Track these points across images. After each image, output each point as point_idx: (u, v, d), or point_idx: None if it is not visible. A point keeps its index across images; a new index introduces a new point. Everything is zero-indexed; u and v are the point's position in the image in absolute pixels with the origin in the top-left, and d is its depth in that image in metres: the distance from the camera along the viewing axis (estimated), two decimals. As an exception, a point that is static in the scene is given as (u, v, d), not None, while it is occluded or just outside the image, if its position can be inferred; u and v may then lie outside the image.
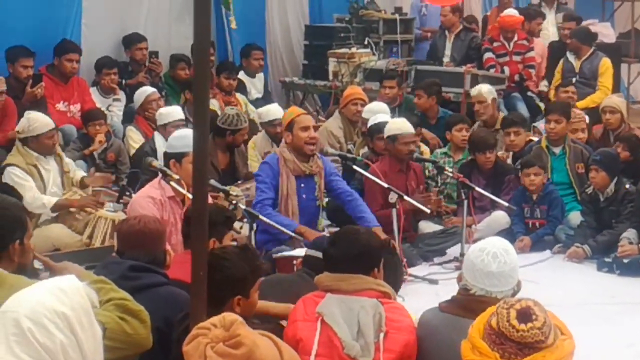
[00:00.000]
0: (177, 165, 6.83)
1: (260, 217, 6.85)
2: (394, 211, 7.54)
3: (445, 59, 12.80)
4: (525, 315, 3.27)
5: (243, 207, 6.86)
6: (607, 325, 6.80)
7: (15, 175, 7.89)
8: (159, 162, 7.15)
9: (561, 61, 12.26)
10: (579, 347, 3.46)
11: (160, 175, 6.87)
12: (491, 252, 4.18)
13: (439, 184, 9.30)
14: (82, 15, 10.85)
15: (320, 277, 4.69)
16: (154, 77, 11.37)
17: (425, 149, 9.81)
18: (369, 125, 9.42)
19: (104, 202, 8.22)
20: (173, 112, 9.39)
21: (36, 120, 8.14)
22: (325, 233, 7.32)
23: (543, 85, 12.81)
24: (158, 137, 9.24)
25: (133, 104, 10.43)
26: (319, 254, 5.37)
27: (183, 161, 6.75)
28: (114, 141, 9.67)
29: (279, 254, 6.92)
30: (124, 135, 10.05)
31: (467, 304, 4.18)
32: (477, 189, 8.21)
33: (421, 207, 7.83)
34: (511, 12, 12.83)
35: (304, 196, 7.78)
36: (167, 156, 7.02)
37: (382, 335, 4.39)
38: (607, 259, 8.08)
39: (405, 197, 7.69)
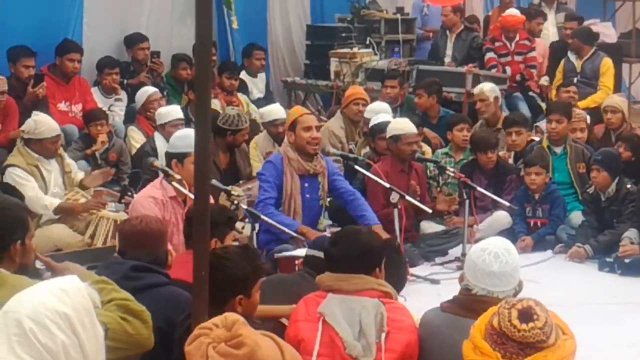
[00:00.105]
0: (179, 165, 6.83)
1: (262, 217, 6.85)
2: (395, 211, 7.55)
3: (447, 59, 12.80)
4: (526, 315, 3.27)
5: (245, 207, 6.86)
6: (609, 325, 6.80)
7: (17, 176, 7.89)
8: (160, 162, 7.15)
9: (562, 61, 12.26)
10: (580, 346, 3.46)
11: (162, 175, 6.87)
12: (493, 252, 4.19)
13: (440, 184, 9.30)
14: (83, 15, 10.83)
15: (321, 277, 4.69)
16: (156, 77, 11.36)
17: (427, 148, 9.80)
18: (371, 125, 9.41)
19: (106, 202, 8.21)
20: (171, 111, 9.38)
21: (43, 124, 8.13)
22: (327, 233, 7.33)
23: (544, 80, 12.79)
24: (158, 137, 9.24)
25: (135, 104, 10.44)
26: (320, 254, 5.38)
27: (185, 161, 6.75)
28: (116, 141, 9.66)
29: (281, 254, 6.93)
30: (125, 135, 10.05)
31: (469, 304, 4.19)
32: (478, 188, 8.20)
33: (423, 207, 7.83)
34: (513, 11, 12.84)
35: (307, 196, 7.78)
36: (169, 156, 7.02)
37: (383, 335, 4.39)
38: (608, 259, 8.08)
39: (407, 197, 7.69)
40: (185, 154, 6.70)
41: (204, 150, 3.73)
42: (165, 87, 11.37)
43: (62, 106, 10.04)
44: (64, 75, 10.11)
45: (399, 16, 13.35)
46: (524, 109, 11.87)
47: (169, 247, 5.05)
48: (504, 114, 10.61)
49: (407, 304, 5.06)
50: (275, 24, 13.63)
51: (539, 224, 8.79)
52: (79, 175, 8.63)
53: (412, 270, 7.65)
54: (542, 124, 10.45)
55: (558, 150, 9.24)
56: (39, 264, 4.36)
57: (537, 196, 8.79)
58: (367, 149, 9.57)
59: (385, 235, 6.78)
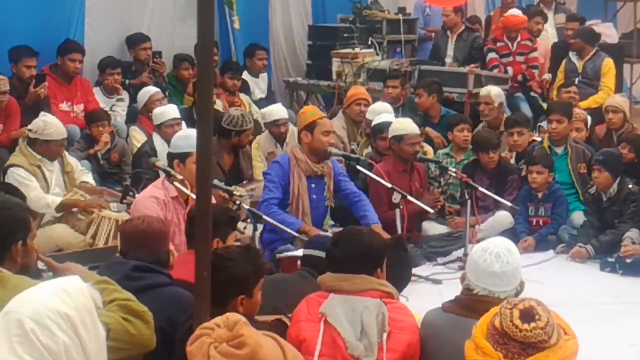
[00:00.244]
0: (181, 166, 6.83)
1: (264, 217, 6.85)
2: (397, 211, 7.55)
3: (448, 59, 12.80)
4: (528, 315, 3.27)
5: (247, 207, 6.86)
6: (610, 325, 6.80)
7: (19, 176, 7.89)
8: (162, 163, 7.15)
9: (564, 61, 12.26)
10: (581, 346, 3.46)
11: (163, 175, 6.87)
12: (494, 252, 4.19)
13: (442, 184, 9.30)
14: (85, 15, 10.83)
15: (323, 277, 4.69)
16: (158, 77, 11.36)
17: (428, 148, 9.80)
18: (373, 124, 9.42)
19: (107, 203, 8.21)
20: (167, 111, 9.37)
21: (52, 126, 8.12)
22: (329, 233, 7.33)
23: (546, 75, 12.77)
24: (156, 137, 9.25)
25: (136, 104, 10.44)
26: (317, 253, 5.41)
27: (187, 161, 6.75)
28: (118, 141, 9.67)
29: (283, 254, 6.93)
30: (127, 135, 10.06)
31: (471, 304, 4.19)
32: (480, 189, 8.20)
33: (425, 208, 7.83)
34: (515, 12, 12.84)
35: (314, 196, 7.78)
36: (171, 156, 7.02)
37: (385, 335, 4.40)
38: (610, 259, 8.08)
39: (409, 197, 7.69)
40: (187, 154, 6.70)
41: (206, 150, 3.73)
42: (167, 87, 11.37)
43: (64, 106, 10.05)
44: (66, 75, 10.11)
45: (400, 16, 13.34)
46: (525, 109, 11.87)
47: (171, 247, 5.05)
48: (504, 115, 10.60)
49: (408, 304, 5.06)
50: (277, 24, 13.63)
51: (541, 222, 8.79)
52: (84, 174, 8.61)
53: (414, 270, 7.65)
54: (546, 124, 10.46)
55: (559, 150, 9.25)
56: (40, 264, 4.37)
57: (540, 195, 8.79)
58: (369, 149, 9.56)
59: (385, 235, 6.78)
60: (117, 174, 9.51)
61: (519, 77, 12.32)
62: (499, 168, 9.12)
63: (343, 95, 11.42)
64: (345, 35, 12.85)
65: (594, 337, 5.98)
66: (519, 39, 12.44)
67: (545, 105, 11.88)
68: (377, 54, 12.64)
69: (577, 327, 3.57)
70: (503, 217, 8.78)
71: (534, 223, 8.81)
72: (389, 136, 8.71)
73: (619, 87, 12.57)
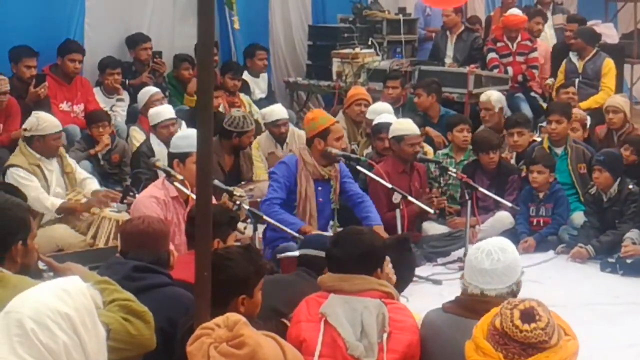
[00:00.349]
0: (181, 166, 6.83)
1: (264, 217, 6.85)
2: (397, 212, 7.55)
3: (447, 60, 12.80)
4: (528, 315, 3.27)
5: (247, 207, 6.86)
6: (610, 325, 6.80)
7: (19, 176, 7.90)
8: (162, 163, 7.15)
9: (564, 62, 12.26)
10: (582, 347, 3.46)
11: (163, 175, 6.87)
12: (486, 250, 4.21)
13: (442, 185, 9.29)
14: (85, 15, 10.83)
15: (323, 277, 4.69)
16: (158, 77, 11.36)
17: (428, 149, 9.79)
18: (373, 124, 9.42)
19: (107, 203, 8.19)
20: (162, 112, 9.36)
21: (45, 120, 8.15)
22: (329, 232, 7.33)
23: (550, 81, 12.77)
24: (153, 138, 9.24)
25: (136, 104, 10.44)
26: (313, 252, 5.41)
27: (187, 161, 6.75)
28: (119, 142, 9.67)
29: (283, 255, 6.92)
30: (127, 135, 10.05)
31: (470, 304, 4.19)
32: (480, 189, 8.20)
33: (425, 208, 7.83)
34: (515, 11, 12.84)
35: (320, 199, 7.78)
36: (171, 156, 7.02)
37: (385, 335, 4.40)
38: (610, 260, 8.08)
39: (409, 198, 7.69)
40: (187, 153, 6.71)
41: (206, 150, 3.73)
42: (167, 87, 11.37)
43: (64, 106, 10.05)
44: (66, 76, 10.11)
45: (401, 17, 13.32)
46: (525, 109, 11.86)
47: (171, 247, 5.05)
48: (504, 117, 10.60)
49: (409, 304, 5.07)
50: (277, 24, 13.61)
51: (541, 222, 8.79)
52: (90, 181, 8.60)
53: (414, 270, 7.67)
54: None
55: (559, 150, 9.25)
56: (41, 264, 4.37)
57: (541, 195, 8.80)
58: (370, 149, 9.57)
59: (386, 236, 6.78)
60: (118, 174, 9.51)
61: (519, 78, 12.31)
62: (499, 168, 9.11)
63: (343, 95, 11.42)
64: (346, 35, 12.84)
65: (595, 338, 5.98)
66: (519, 39, 12.43)
67: (545, 106, 11.87)
68: (377, 54, 12.63)
69: (577, 328, 3.57)
70: (503, 218, 8.78)
71: (535, 223, 8.81)
72: (389, 137, 8.71)
73: (619, 88, 12.56)
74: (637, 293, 7.50)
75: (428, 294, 7.11)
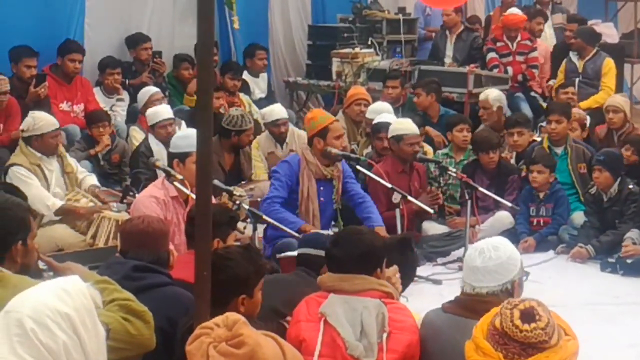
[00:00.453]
0: (181, 165, 6.83)
1: (264, 217, 6.84)
2: (397, 211, 7.55)
3: (447, 60, 12.79)
4: (528, 315, 3.27)
5: (247, 207, 6.86)
6: (610, 325, 6.79)
7: (20, 174, 7.89)
8: (162, 162, 7.15)
9: (564, 61, 12.26)
10: (582, 347, 3.46)
11: (163, 175, 6.87)
12: (479, 248, 4.23)
13: (442, 185, 9.29)
14: (85, 15, 10.84)
15: (322, 277, 4.69)
16: (158, 77, 11.36)
17: (428, 148, 9.79)
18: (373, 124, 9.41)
19: (108, 204, 8.19)
20: (160, 112, 9.34)
21: (41, 119, 8.15)
22: (329, 231, 7.33)
23: (551, 81, 12.78)
24: (152, 137, 9.24)
25: (136, 104, 10.44)
26: (311, 251, 5.41)
27: (186, 161, 6.75)
28: (119, 142, 9.68)
29: (283, 254, 6.92)
30: (127, 135, 10.06)
31: (471, 304, 4.18)
32: (480, 189, 8.19)
33: (425, 208, 7.82)
34: (514, 11, 12.83)
35: (322, 199, 7.77)
36: (171, 156, 7.02)
37: (385, 335, 4.39)
38: (610, 260, 8.07)
39: (409, 198, 7.68)
40: (187, 153, 6.71)
41: (206, 150, 3.73)
42: (167, 87, 11.37)
43: (64, 106, 10.06)
44: (66, 76, 10.12)
45: (400, 16, 13.32)
46: (525, 109, 11.85)
47: (171, 247, 5.05)
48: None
49: (409, 304, 5.06)
50: (277, 24, 13.62)
51: (542, 222, 8.79)
52: (89, 180, 8.59)
53: (413, 270, 7.66)
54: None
55: (559, 150, 9.25)
56: (41, 264, 4.37)
57: (541, 195, 8.79)
58: (370, 149, 9.56)
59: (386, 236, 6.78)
60: (118, 174, 9.51)
61: (519, 77, 12.31)
62: (499, 168, 9.11)
63: (343, 95, 11.42)
64: (345, 35, 12.84)
65: (595, 338, 5.99)
66: (518, 38, 12.43)
67: (545, 105, 11.87)
68: (377, 54, 12.63)
69: (577, 328, 3.57)
70: (503, 217, 8.78)
71: (535, 223, 8.80)
72: (389, 136, 8.71)
73: (619, 87, 12.56)
74: (637, 293, 7.50)
75: (428, 294, 7.10)
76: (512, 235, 8.23)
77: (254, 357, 3.04)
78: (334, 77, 12.45)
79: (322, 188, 7.78)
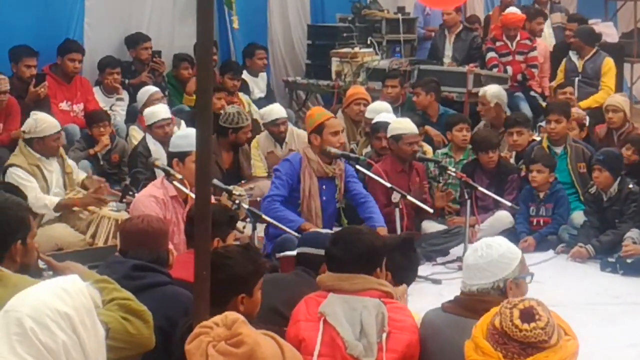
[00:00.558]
0: (180, 165, 6.83)
1: (263, 216, 6.85)
2: (397, 211, 7.54)
3: (446, 59, 12.79)
4: (528, 315, 3.26)
5: (246, 206, 6.86)
6: (610, 325, 6.79)
7: (18, 176, 7.88)
8: (161, 162, 7.15)
9: (564, 61, 12.27)
10: (582, 347, 3.46)
11: (163, 174, 6.87)
12: (475, 246, 4.26)
13: (441, 184, 9.28)
14: (85, 15, 10.85)
15: (322, 277, 4.69)
16: (157, 76, 11.36)
17: (427, 148, 9.79)
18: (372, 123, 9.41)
19: (105, 199, 8.18)
20: (157, 111, 9.33)
21: (44, 122, 8.13)
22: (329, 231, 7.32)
23: (552, 83, 12.78)
24: (149, 137, 9.24)
25: (136, 104, 10.44)
26: (310, 250, 5.41)
27: (186, 160, 6.76)
28: (118, 142, 9.68)
29: (283, 254, 6.92)
30: (127, 135, 10.06)
31: (470, 304, 4.19)
32: (480, 188, 8.19)
33: (425, 208, 7.82)
34: (513, 10, 12.83)
35: (324, 198, 7.77)
36: (170, 155, 7.02)
37: (384, 335, 4.39)
38: (610, 259, 8.07)
39: (409, 197, 7.68)
40: (186, 152, 6.71)
41: (206, 149, 3.73)
42: (167, 87, 11.37)
43: (64, 106, 10.06)
44: (65, 75, 10.12)
45: (400, 16, 13.32)
46: (525, 108, 11.85)
47: (170, 246, 5.05)
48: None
49: (408, 304, 5.06)
50: (276, 23, 13.62)
51: (541, 222, 8.79)
52: (81, 176, 8.62)
53: (413, 270, 7.65)
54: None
55: (558, 150, 9.25)
56: (41, 263, 4.37)
57: (541, 195, 8.80)
58: (369, 148, 9.56)
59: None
60: (117, 174, 9.51)
61: (519, 77, 12.30)
62: (499, 168, 9.11)
63: (342, 94, 11.42)
64: (345, 34, 12.84)
65: (595, 338, 5.99)
66: (518, 38, 12.42)
67: (545, 105, 11.87)
68: (377, 54, 12.62)
69: (577, 328, 3.57)
70: (503, 217, 8.78)
71: (535, 223, 8.81)
72: (388, 136, 8.71)
73: (619, 87, 12.57)
74: (637, 293, 7.50)
75: (427, 294, 7.10)
76: (512, 235, 8.22)
77: (253, 356, 3.04)
78: (334, 76, 12.44)
79: (324, 187, 7.78)
